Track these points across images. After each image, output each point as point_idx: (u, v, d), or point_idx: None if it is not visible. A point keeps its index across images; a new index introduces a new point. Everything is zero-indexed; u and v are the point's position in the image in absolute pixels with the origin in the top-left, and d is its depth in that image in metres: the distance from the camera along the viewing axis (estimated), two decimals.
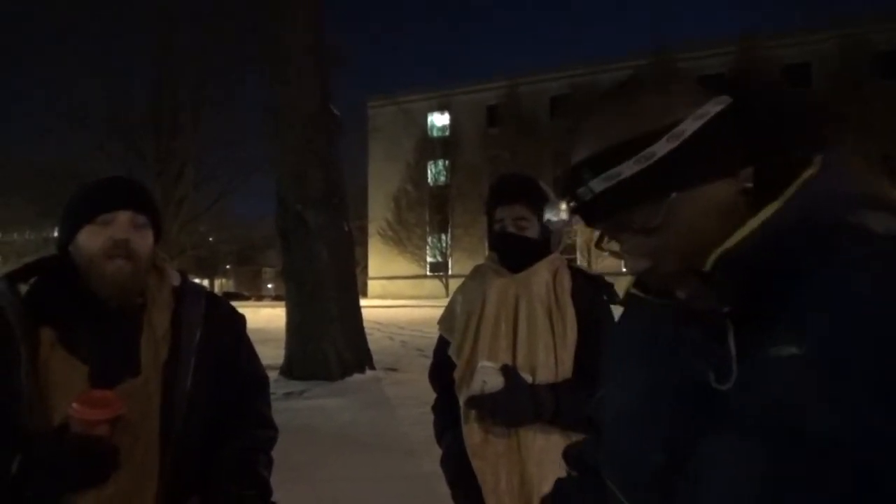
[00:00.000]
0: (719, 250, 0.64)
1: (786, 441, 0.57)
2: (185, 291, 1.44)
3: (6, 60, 17.90)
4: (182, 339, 1.36)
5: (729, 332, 0.64)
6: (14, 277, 1.33)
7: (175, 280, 1.45)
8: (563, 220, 1.81)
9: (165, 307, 1.38)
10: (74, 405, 1.16)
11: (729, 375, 0.64)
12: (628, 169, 0.66)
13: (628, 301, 0.83)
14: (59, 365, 1.25)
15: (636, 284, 0.80)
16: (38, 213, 21.54)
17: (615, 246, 0.74)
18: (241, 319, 1.56)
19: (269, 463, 1.47)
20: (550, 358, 1.65)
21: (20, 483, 1.14)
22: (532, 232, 1.75)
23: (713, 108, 0.67)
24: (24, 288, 1.31)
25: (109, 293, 1.31)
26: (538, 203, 1.76)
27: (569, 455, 1.09)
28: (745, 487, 0.59)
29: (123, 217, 1.33)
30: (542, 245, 1.76)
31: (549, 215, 1.75)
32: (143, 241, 1.36)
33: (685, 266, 0.67)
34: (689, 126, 0.66)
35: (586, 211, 0.70)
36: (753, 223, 0.63)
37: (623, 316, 0.90)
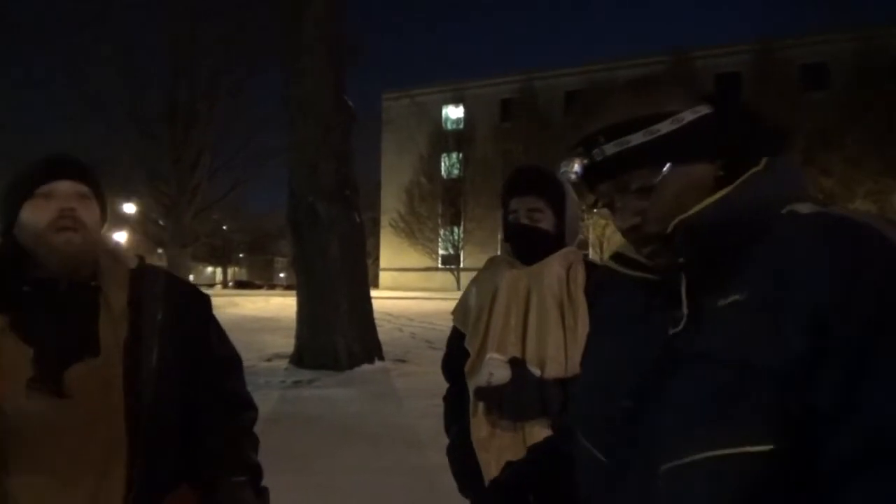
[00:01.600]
0: (678, 218, 0.80)
1: (730, 368, 0.72)
2: (143, 273, 1.40)
3: (27, 48, 18.02)
4: (142, 317, 1.33)
5: (681, 281, 0.81)
6: None
7: (131, 262, 1.41)
8: (578, 214, 1.81)
9: (121, 287, 1.34)
10: None
11: (681, 319, 0.80)
12: (637, 139, 0.82)
13: (607, 274, 0.97)
14: (9, 349, 1.22)
15: (614, 259, 0.95)
16: None
17: (605, 211, 0.89)
18: (206, 299, 1.52)
19: (255, 444, 1.45)
20: (560, 352, 1.64)
21: None
22: (546, 224, 1.74)
23: (704, 109, 0.85)
24: None
25: (59, 267, 1.28)
26: (553, 195, 1.75)
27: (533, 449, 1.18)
28: (695, 409, 0.74)
29: (64, 186, 1.29)
30: (557, 238, 1.75)
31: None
32: (90, 212, 1.32)
33: (664, 227, 0.82)
34: (688, 116, 0.83)
35: (596, 170, 0.85)
36: (709, 200, 0.80)
37: (599, 298, 1.05)
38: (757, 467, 0.69)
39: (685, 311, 0.80)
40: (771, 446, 0.68)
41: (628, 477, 0.81)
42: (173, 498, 1.29)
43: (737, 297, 0.75)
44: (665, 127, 0.82)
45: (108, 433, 1.24)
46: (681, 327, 0.80)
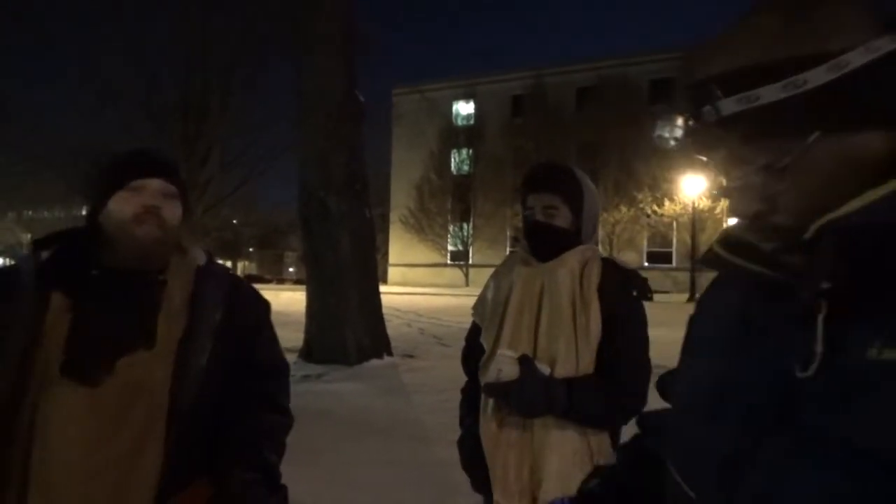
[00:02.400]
0: (827, 217, 0.56)
1: (871, 469, 0.49)
2: (209, 271, 1.45)
3: (40, 38, 18.13)
4: (200, 316, 1.36)
5: (820, 314, 0.55)
6: (40, 245, 1.36)
7: (200, 260, 1.45)
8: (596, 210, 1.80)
9: (185, 285, 1.39)
10: None
11: (811, 361, 0.55)
12: (771, 94, 0.56)
13: (710, 262, 0.70)
14: (59, 331, 1.25)
15: (722, 242, 0.68)
16: (67, 190, 21.87)
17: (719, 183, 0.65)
18: (266, 305, 1.56)
19: (279, 448, 1.45)
20: (571, 351, 1.63)
21: None
22: (562, 221, 1.72)
23: (890, 44, 0.56)
24: (45, 254, 1.33)
25: (135, 257, 1.33)
26: (570, 192, 1.74)
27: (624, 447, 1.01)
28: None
29: (155, 184, 1.35)
30: (573, 235, 1.74)
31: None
32: (173, 212, 1.38)
33: (796, 225, 0.58)
34: (857, 58, 0.55)
35: (705, 135, 0.61)
36: (879, 192, 0.54)
37: (713, 286, 0.79)
38: None
39: (819, 352, 0.55)
40: None
41: None
42: (187, 494, 1.29)
43: (894, 350, 0.51)
44: (817, 77, 0.56)
45: (144, 424, 1.26)
46: (811, 373, 0.55)
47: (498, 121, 37.81)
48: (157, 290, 1.35)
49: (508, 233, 35.51)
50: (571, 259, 1.70)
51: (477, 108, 40.31)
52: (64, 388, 1.22)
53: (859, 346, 0.53)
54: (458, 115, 41.20)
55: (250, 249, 58.44)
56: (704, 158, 0.65)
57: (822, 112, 0.56)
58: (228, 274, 1.51)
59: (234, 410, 1.41)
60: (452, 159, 40.12)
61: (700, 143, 0.62)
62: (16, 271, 1.31)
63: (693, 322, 0.79)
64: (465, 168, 39.56)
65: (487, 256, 34.00)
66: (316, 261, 9.13)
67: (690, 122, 0.61)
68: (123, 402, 1.25)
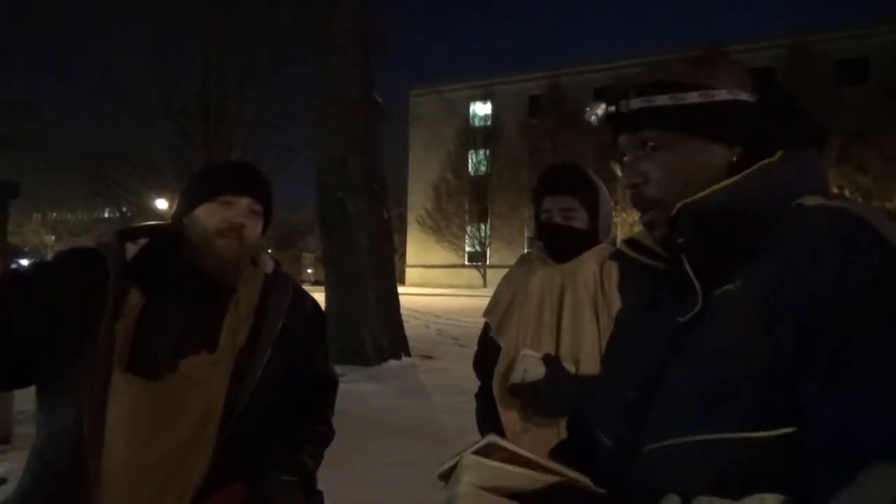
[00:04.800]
0: (684, 201, 0.80)
1: (721, 363, 0.72)
2: (276, 281, 1.46)
3: (61, 40, 18.41)
4: (264, 325, 1.38)
5: (686, 266, 0.79)
6: (125, 235, 1.37)
7: (268, 267, 1.47)
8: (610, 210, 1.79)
9: (253, 293, 1.40)
10: None
11: (690, 308, 0.79)
12: (662, 100, 0.83)
13: (617, 258, 0.97)
14: (128, 330, 1.26)
15: (626, 242, 0.94)
16: (88, 192, 22.16)
17: (618, 170, 0.91)
18: (324, 318, 1.58)
19: (317, 455, 1.46)
20: (595, 349, 1.62)
21: None
22: (580, 223, 1.72)
23: (742, 95, 0.83)
24: (131, 248, 1.34)
25: (212, 269, 1.34)
26: (587, 194, 1.73)
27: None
28: (688, 403, 0.74)
29: (244, 202, 1.37)
30: (591, 235, 1.73)
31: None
32: (255, 229, 1.40)
33: (660, 199, 0.84)
34: (720, 95, 0.82)
35: (618, 119, 0.87)
36: (717, 187, 0.79)
37: (621, 289, 1.05)
38: (743, 453, 0.69)
39: (700, 296, 0.78)
40: (758, 433, 0.69)
41: (629, 460, 0.82)
42: (222, 494, 1.29)
43: (734, 286, 0.76)
44: (693, 98, 0.82)
45: (195, 426, 1.27)
46: (687, 317, 0.79)
47: (515, 121, 37.73)
48: (226, 297, 1.37)
49: (526, 233, 35.40)
50: (590, 259, 1.70)
51: (494, 109, 40.26)
52: (124, 380, 1.23)
53: (711, 290, 0.78)
54: (475, 115, 41.18)
55: (268, 250, 58.73)
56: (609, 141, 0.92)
57: (691, 121, 0.83)
58: (293, 283, 1.52)
59: (282, 419, 1.41)
60: (470, 160, 40.10)
61: (615, 125, 0.89)
62: (101, 257, 1.30)
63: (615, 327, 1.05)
64: (483, 168, 39.52)
65: (505, 257, 33.94)
66: (334, 262, 9.17)
67: (610, 109, 0.88)
68: (179, 402, 1.26)
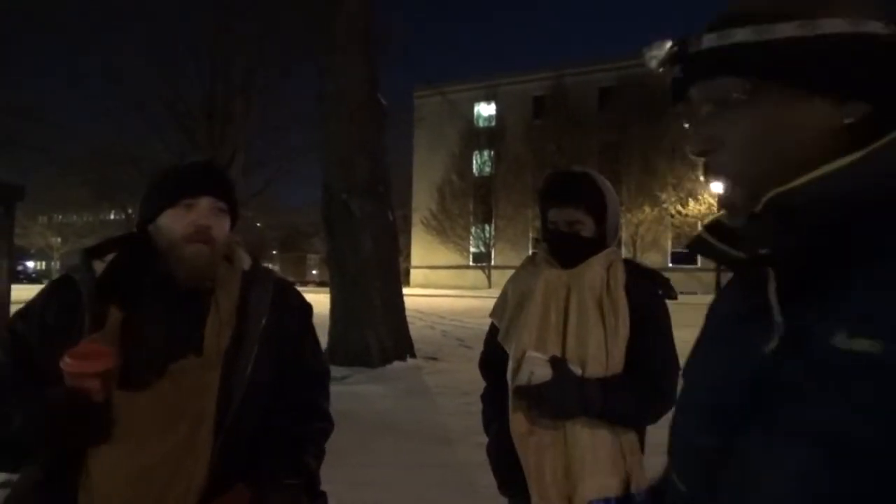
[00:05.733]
0: (773, 191, 0.57)
1: (839, 454, 0.49)
2: (255, 277, 1.45)
3: (66, 42, 18.48)
4: (247, 325, 1.37)
5: (769, 281, 0.57)
6: (91, 252, 1.37)
7: (245, 264, 1.46)
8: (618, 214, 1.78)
9: (232, 292, 1.39)
10: (66, 359, 1.17)
11: (772, 334, 0.56)
12: (743, 35, 0.60)
13: (695, 246, 0.72)
14: (117, 339, 1.26)
15: (708, 228, 0.71)
16: (94, 194, 22.26)
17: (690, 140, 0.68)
18: (309, 309, 1.56)
19: (319, 454, 1.46)
20: (601, 351, 1.62)
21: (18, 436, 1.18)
22: (587, 232, 1.71)
23: (871, 27, 0.57)
24: (99, 265, 1.34)
25: (185, 276, 1.34)
26: (593, 203, 1.72)
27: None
28: (784, 494, 0.52)
29: (206, 202, 1.35)
30: (597, 241, 1.73)
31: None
32: (222, 228, 1.38)
33: (739, 173, 0.62)
34: (831, 27, 0.57)
35: (684, 63, 0.66)
36: (825, 169, 0.54)
37: (723, 288, 0.81)
38: None
39: (778, 321, 0.56)
40: None
41: None
42: (226, 497, 1.29)
43: (866, 345, 0.49)
44: (788, 30, 0.58)
45: (191, 429, 1.27)
46: (774, 345, 0.56)
47: (519, 122, 37.71)
48: (205, 299, 1.36)
49: (530, 234, 35.37)
50: (597, 262, 1.69)
51: (498, 110, 40.25)
52: (115, 392, 1.23)
53: (823, 330, 0.52)
54: (479, 116, 41.19)
55: (273, 252, 58.98)
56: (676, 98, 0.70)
57: (781, 61, 0.59)
58: (273, 277, 1.51)
59: (279, 416, 1.41)
60: (474, 161, 40.10)
61: (682, 70, 0.66)
62: (71, 280, 1.32)
63: (706, 319, 0.80)
64: (487, 169, 39.51)
65: (509, 258, 33.92)
66: (339, 263, 9.18)
67: (675, 49, 0.65)
68: (172, 408, 1.26)
